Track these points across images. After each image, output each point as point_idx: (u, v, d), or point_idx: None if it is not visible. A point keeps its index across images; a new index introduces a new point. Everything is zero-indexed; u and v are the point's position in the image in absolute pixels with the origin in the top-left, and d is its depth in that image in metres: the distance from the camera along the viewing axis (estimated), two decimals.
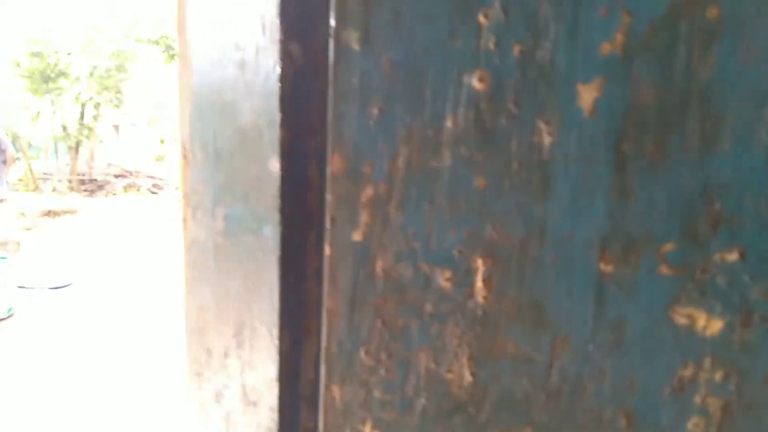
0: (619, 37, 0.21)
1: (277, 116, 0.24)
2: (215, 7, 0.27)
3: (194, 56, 0.28)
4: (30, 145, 15.15)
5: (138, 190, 14.16)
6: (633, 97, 0.21)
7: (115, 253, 8.14)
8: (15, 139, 13.50)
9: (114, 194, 13.91)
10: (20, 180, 13.59)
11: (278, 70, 0.24)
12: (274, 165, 0.24)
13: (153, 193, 14.14)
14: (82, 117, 14.89)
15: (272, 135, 0.24)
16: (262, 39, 0.25)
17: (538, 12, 0.22)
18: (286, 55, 0.24)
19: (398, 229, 0.23)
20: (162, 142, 16.42)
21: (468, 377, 0.23)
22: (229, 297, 0.27)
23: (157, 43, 12.41)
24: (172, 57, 13.06)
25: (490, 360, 0.23)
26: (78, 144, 15.09)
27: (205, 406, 0.28)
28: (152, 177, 15.59)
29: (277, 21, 0.24)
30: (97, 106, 14.64)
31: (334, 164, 0.23)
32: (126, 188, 14.41)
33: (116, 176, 15.67)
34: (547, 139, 0.22)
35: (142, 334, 5.15)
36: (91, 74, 11.95)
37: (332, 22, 0.23)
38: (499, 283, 0.23)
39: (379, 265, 0.23)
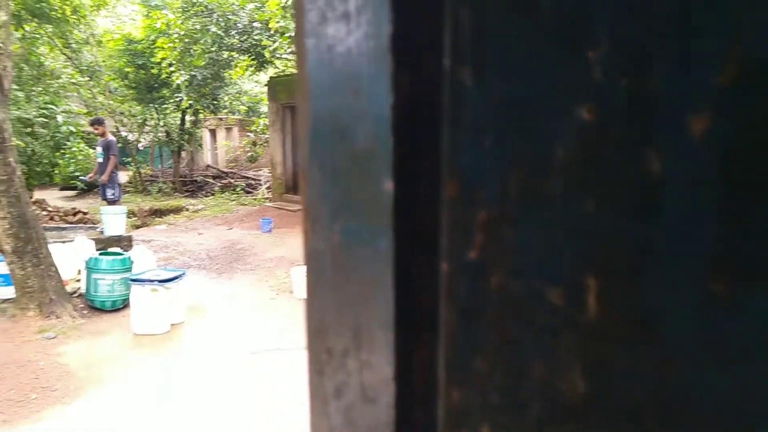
0: (730, 68, 0.21)
1: (390, 141, 0.27)
2: (332, 40, 0.30)
3: (312, 84, 0.31)
4: (138, 150, 16.44)
5: (233, 189, 14.96)
6: (745, 126, 0.21)
7: (216, 246, 8.68)
8: (125, 144, 14.70)
9: (212, 194, 14.80)
10: (130, 182, 14.75)
11: (390, 99, 0.27)
12: (388, 185, 0.27)
13: (247, 192, 14.88)
14: (182, 123, 15.98)
15: (385, 158, 0.27)
16: (374, 70, 0.27)
17: (646, 44, 0.22)
18: (396, 85, 0.27)
19: (511, 249, 0.25)
20: (254, 144, 17.22)
21: (581, 387, 0.24)
22: (348, 302, 0.30)
23: (247, 51, 13.02)
24: (261, 64, 13.67)
25: (602, 372, 0.24)
26: (180, 148, 16.19)
27: (327, 401, 0.32)
28: (246, 177, 16.38)
29: (389, 54, 0.27)
30: (195, 112, 15.65)
31: (449, 189, 0.26)
32: (222, 188, 15.27)
33: (214, 177, 16.63)
34: (655, 167, 0.23)
35: (254, 321, 5.47)
36: (190, 83, 12.76)
37: (447, 61, 0.25)
38: (611, 301, 0.23)
39: (494, 281, 0.25)
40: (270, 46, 11.61)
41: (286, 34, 8.64)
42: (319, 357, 0.32)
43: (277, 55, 12.64)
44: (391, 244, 0.27)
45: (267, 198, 13.80)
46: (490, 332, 0.25)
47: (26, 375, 4.23)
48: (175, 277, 5.47)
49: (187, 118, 16.01)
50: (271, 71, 14.80)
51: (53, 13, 12.43)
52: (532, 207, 0.24)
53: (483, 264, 0.25)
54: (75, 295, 6.06)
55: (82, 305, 5.86)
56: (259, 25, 12.02)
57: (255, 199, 13.87)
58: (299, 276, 6.38)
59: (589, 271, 0.23)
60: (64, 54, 14.45)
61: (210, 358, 4.70)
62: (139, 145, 16.76)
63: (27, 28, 12.34)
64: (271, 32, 11.16)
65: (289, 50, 11.02)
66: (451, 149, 0.26)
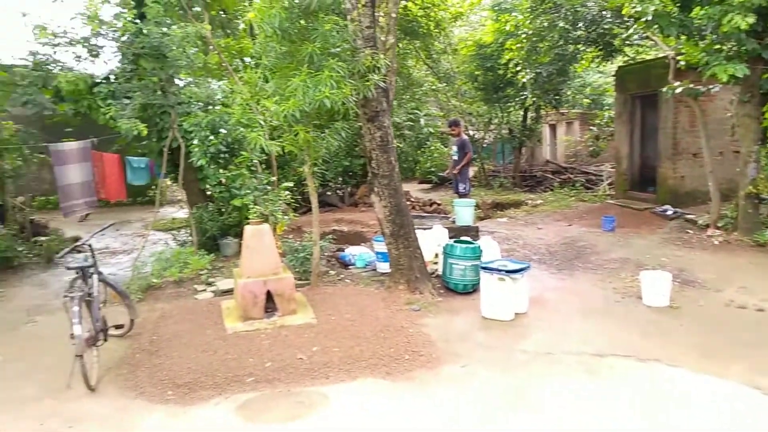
0: None
1: None
2: None
3: None
4: (482, 147, 17.70)
5: (573, 185, 14.71)
6: None
7: (556, 242, 8.68)
8: (472, 142, 15.99)
9: (551, 189, 14.86)
10: (474, 177, 15.94)
11: None
12: None
13: (587, 188, 14.44)
14: (524, 120, 16.51)
15: None
16: None
17: None
18: None
19: None
20: (597, 138, 16.57)
21: None
22: None
23: (594, 41, 12.56)
24: (609, 53, 13.00)
25: None
26: (520, 144, 16.79)
27: None
28: (586, 173, 15.90)
29: None
30: (537, 109, 15.94)
31: None
32: (561, 183, 15.18)
33: (553, 172, 16.67)
34: None
35: (597, 322, 5.35)
36: (535, 80, 13.05)
37: None
38: None
39: None
40: (621, 33, 10.95)
41: (642, 19, 7.98)
42: None
43: (628, 42, 11.82)
44: None
45: (609, 195, 13.11)
46: None
47: (400, 338, 5.06)
48: (521, 269, 5.72)
49: (529, 114, 16.46)
50: (619, 60, 13.96)
51: (421, 29, 14.36)
52: None
53: None
54: (433, 275, 6.92)
55: (438, 285, 6.66)
56: (609, 13, 11.45)
57: (595, 196, 13.36)
58: (650, 281, 5.89)
59: None
60: (426, 64, 16.57)
61: (551, 352, 4.77)
62: (484, 142, 18.03)
63: (400, 45, 14.56)
64: (623, 19, 10.50)
65: (644, 35, 10.17)
66: None
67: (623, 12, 8.57)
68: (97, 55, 7.97)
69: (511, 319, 5.54)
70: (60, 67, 8.02)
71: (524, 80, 13.11)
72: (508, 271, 5.61)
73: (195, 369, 4.47)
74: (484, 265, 5.93)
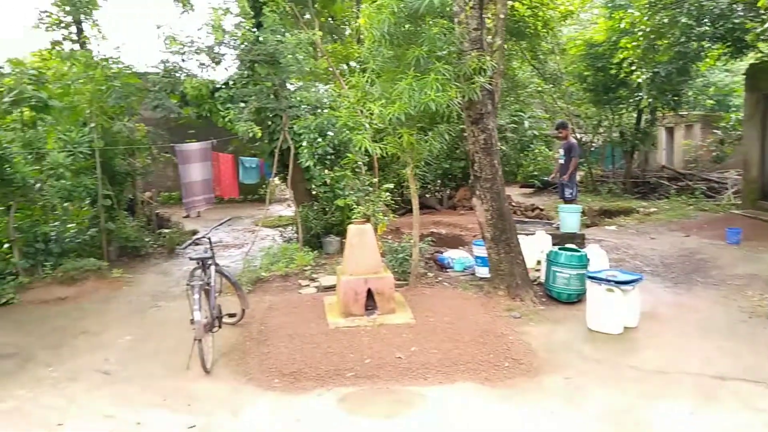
0: None
1: None
2: None
3: None
4: (590, 151, 16.85)
5: (692, 193, 13.59)
6: None
7: (671, 253, 8.06)
8: (579, 145, 15.29)
9: (666, 197, 13.82)
10: (581, 182, 15.24)
11: None
12: None
13: (708, 196, 13.28)
14: (638, 122, 15.49)
15: None
16: None
17: None
18: None
19: None
20: (721, 142, 15.17)
21: None
22: None
23: (721, 38, 11.53)
24: (738, 50, 11.89)
25: None
26: (633, 148, 15.77)
27: None
28: (708, 180, 14.63)
29: None
30: (652, 110, 14.90)
31: None
32: (678, 191, 14.07)
33: (669, 179, 15.51)
34: None
35: (717, 342, 4.92)
36: (652, 80, 12.22)
37: None
38: None
39: None
40: (755, 27, 9.97)
41: None
42: None
43: (763, 38, 10.73)
44: None
45: (734, 204, 11.98)
46: None
47: (500, 344, 4.96)
48: (633, 281, 5.39)
49: (644, 117, 15.43)
50: (750, 57, 12.70)
51: (528, 29, 13.98)
52: None
53: None
54: (534, 283, 6.71)
55: (540, 293, 6.44)
56: (740, 6, 10.47)
57: (718, 205, 12.26)
58: None
59: None
60: (532, 65, 16.08)
61: (665, 371, 4.45)
62: (592, 145, 17.15)
63: (506, 46, 14.25)
64: (758, 12, 9.56)
65: None
66: None
67: (759, 4, 7.82)
68: (219, 63, 8.61)
69: (619, 333, 5.24)
70: (186, 74, 8.75)
71: (639, 80, 12.28)
72: (617, 282, 5.32)
73: (299, 360, 4.68)
74: (591, 275, 5.65)
